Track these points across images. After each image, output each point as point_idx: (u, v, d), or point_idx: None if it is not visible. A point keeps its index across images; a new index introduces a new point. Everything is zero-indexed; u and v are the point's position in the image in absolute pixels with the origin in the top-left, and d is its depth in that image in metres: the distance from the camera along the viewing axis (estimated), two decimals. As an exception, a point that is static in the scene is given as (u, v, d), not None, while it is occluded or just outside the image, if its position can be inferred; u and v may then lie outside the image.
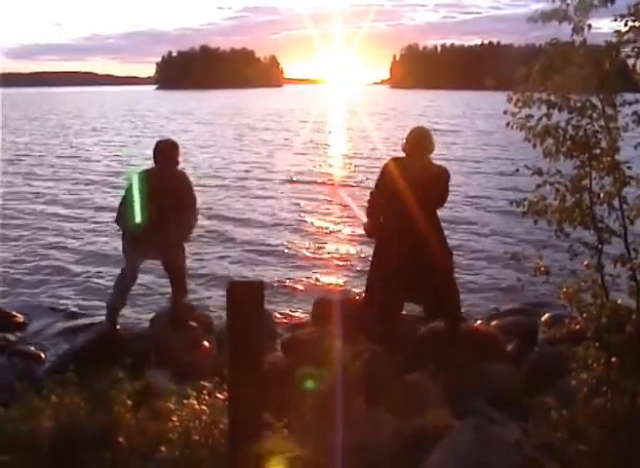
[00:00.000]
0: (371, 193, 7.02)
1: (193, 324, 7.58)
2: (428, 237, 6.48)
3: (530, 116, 4.58)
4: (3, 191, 20.16)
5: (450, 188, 6.87)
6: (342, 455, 4.07)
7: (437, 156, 7.02)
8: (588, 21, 4.41)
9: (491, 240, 13.70)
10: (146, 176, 7.52)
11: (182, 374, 6.06)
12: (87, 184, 21.63)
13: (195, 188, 7.83)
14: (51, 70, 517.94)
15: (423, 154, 6.72)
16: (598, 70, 4.39)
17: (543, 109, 4.55)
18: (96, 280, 10.73)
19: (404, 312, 7.27)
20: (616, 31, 4.39)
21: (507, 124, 4.70)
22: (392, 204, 6.66)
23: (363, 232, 7.38)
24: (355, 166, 25.56)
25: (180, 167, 7.76)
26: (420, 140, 6.75)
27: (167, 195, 7.32)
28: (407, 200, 6.47)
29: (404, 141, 6.80)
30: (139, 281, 8.78)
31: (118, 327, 7.55)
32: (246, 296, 3.03)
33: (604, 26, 4.60)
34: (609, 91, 4.43)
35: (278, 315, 8.84)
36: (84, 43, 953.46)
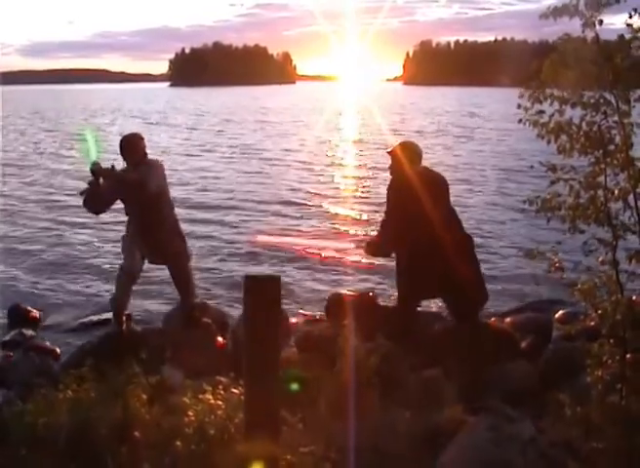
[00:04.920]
0: (384, 221, 7.10)
1: (207, 320, 7.59)
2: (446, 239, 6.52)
3: (541, 112, 4.56)
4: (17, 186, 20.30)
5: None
6: (356, 451, 4.08)
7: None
8: (600, 17, 4.38)
9: (505, 237, 13.67)
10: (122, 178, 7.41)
11: (197, 370, 6.08)
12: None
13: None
14: (64, 68, 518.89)
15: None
16: (611, 66, 4.37)
17: (556, 105, 4.53)
18: (110, 276, 10.75)
19: (419, 309, 7.32)
20: (628, 25, 4.36)
21: (520, 121, 4.69)
22: (410, 220, 6.71)
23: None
24: (368, 167, 25.54)
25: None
26: (410, 153, 6.83)
27: (143, 192, 7.21)
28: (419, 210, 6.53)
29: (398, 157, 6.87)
30: (154, 277, 8.83)
31: (124, 325, 7.56)
32: (263, 291, 3.03)
33: (617, 22, 4.56)
34: (623, 86, 4.41)
35: (292, 310, 8.84)
36: (97, 40, 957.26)
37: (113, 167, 7.21)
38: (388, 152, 6.98)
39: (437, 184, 6.81)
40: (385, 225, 7.10)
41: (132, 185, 7.18)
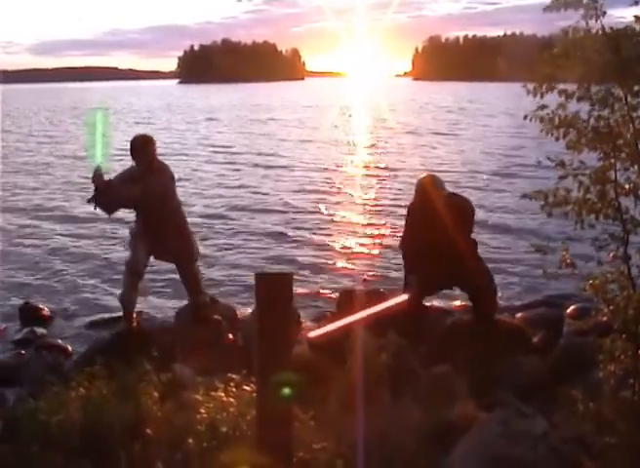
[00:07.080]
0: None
1: (217, 317, 7.60)
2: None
3: (544, 106, 4.53)
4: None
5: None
6: (367, 447, 4.08)
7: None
8: (604, 8, 4.33)
9: (516, 232, 13.60)
10: (130, 175, 7.54)
11: (208, 367, 6.08)
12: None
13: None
14: (73, 66, 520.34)
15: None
16: (618, 57, 4.33)
17: (558, 99, 4.50)
18: (121, 273, 10.76)
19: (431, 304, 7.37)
20: (636, 18, 4.32)
21: (525, 117, 4.67)
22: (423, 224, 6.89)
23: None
24: (379, 160, 25.51)
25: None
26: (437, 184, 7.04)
27: (153, 193, 7.30)
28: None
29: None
30: (164, 274, 8.84)
31: (134, 323, 7.56)
32: (274, 289, 3.02)
33: (629, 16, 4.51)
34: (632, 79, 4.36)
35: (303, 306, 8.83)
36: (106, 38, 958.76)
37: (110, 182, 7.25)
38: (417, 185, 7.10)
39: (461, 208, 6.94)
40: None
41: (131, 199, 7.32)
